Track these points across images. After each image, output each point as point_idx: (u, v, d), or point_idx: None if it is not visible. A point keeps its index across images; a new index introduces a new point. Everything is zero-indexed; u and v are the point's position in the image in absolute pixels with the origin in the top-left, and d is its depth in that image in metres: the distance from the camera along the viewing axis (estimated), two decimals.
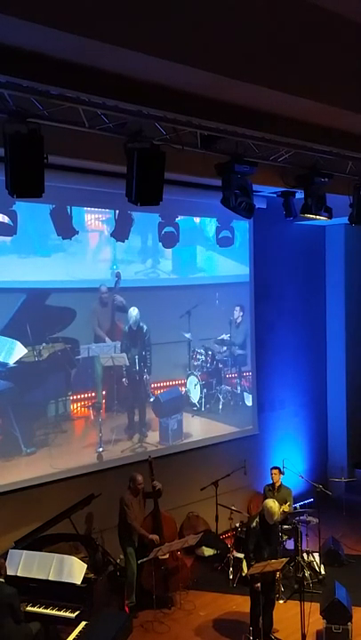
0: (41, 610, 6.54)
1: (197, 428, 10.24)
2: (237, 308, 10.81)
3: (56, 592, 6.59)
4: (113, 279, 9.13)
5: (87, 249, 8.88)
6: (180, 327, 9.98)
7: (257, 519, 7.18)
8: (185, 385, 10.13)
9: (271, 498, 8.01)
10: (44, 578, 6.66)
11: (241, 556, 8.43)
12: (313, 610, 6.92)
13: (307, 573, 8.42)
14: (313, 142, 6.89)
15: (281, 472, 9.17)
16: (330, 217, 8.30)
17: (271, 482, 9.21)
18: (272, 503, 7.13)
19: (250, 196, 7.03)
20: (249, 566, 7.04)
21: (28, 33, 4.22)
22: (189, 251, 10.11)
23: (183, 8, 4.79)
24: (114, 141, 6.01)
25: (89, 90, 5.10)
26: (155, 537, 7.98)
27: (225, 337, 10.62)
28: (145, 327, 9.48)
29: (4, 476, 7.94)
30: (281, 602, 7.90)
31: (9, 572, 6.65)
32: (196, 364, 10.27)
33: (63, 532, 7.55)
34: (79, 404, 8.86)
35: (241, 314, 10.84)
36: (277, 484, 9.14)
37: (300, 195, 8.62)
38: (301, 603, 6.66)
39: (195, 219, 10.17)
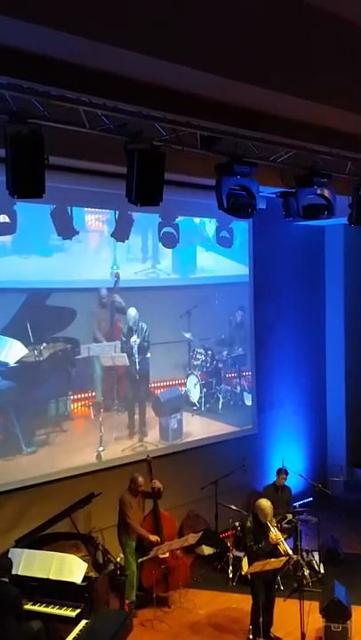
0: (42, 608, 6.55)
1: (197, 428, 10.26)
2: (237, 309, 10.83)
3: (57, 591, 6.61)
4: (113, 279, 9.15)
5: (87, 249, 8.89)
6: (180, 327, 10.00)
7: (250, 518, 7.18)
8: (185, 384, 10.14)
9: (273, 498, 7.99)
10: (45, 576, 6.67)
11: (240, 554, 8.46)
12: (312, 608, 6.92)
13: (306, 572, 8.43)
14: (313, 143, 6.91)
15: (286, 473, 9.19)
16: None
17: (273, 483, 9.21)
18: (265, 502, 7.09)
19: (254, 197, 7.02)
20: (251, 560, 7.04)
21: (29, 34, 4.24)
22: (189, 251, 10.13)
23: (183, 8, 4.80)
24: (114, 142, 6.02)
25: (89, 91, 5.12)
26: (155, 538, 7.98)
27: (225, 337, 10.65)
28: (145, 327, 9.50)
29: (4, 475, 7.96)
30: (280, 600, 7.91)
31: None
32: (195, 363, 10.29)
33: (63, 531, 7.59)
34: (79, 404, 8.88)
35: (241, 314, 10.86)
36: (281, 486, 9.16)
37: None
38: (301, 601, 6.67)
39: (195, 219, 10.18)
